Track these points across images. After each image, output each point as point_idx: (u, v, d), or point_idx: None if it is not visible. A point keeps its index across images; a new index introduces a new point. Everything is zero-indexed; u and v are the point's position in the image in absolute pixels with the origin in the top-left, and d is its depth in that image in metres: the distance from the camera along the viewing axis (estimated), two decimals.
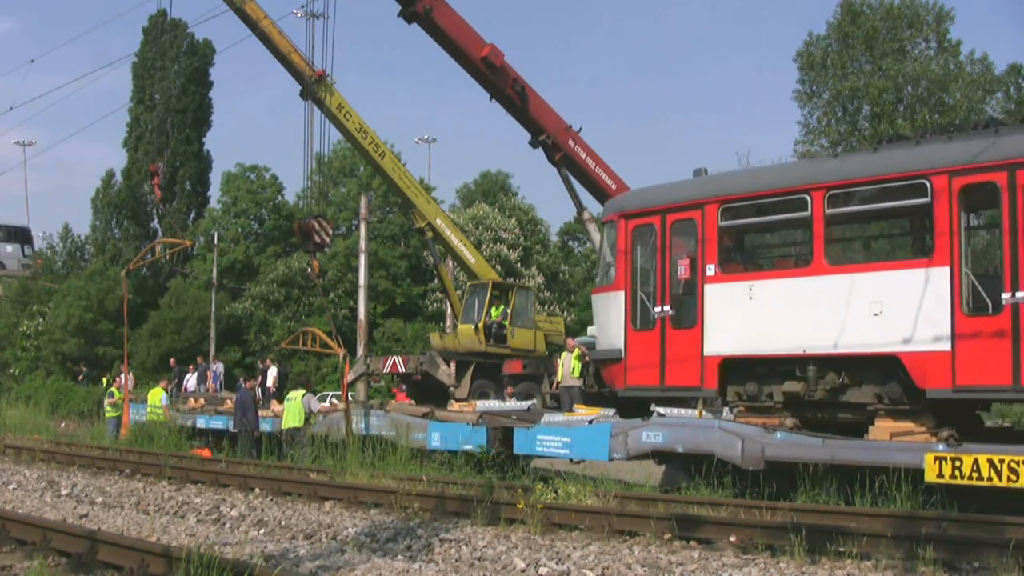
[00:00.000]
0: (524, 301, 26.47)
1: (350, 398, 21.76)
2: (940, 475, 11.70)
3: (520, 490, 12.85)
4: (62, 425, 31.85)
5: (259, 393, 25.08)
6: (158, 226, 55.26)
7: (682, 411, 15.04)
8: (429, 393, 23.94)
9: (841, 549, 9.34)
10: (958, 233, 12.62)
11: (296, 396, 19.90)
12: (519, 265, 48.31)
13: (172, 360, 37.18)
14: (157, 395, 24.66)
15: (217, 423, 24.13)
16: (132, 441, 22.62)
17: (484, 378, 24.77)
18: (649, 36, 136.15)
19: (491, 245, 47.23)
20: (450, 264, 28.90)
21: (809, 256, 14.07)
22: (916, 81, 40.06)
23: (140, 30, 55.18)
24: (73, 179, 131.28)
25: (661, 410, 14.97)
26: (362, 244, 29.23)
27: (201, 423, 24.60)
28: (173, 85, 52.78)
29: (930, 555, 8.94)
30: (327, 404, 24.81)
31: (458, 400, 22.28)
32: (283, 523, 11.96)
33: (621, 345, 15.89)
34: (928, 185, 12.91)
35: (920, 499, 11.94)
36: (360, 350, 28.04)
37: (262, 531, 11.63)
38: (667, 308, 15.39)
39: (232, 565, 7.75)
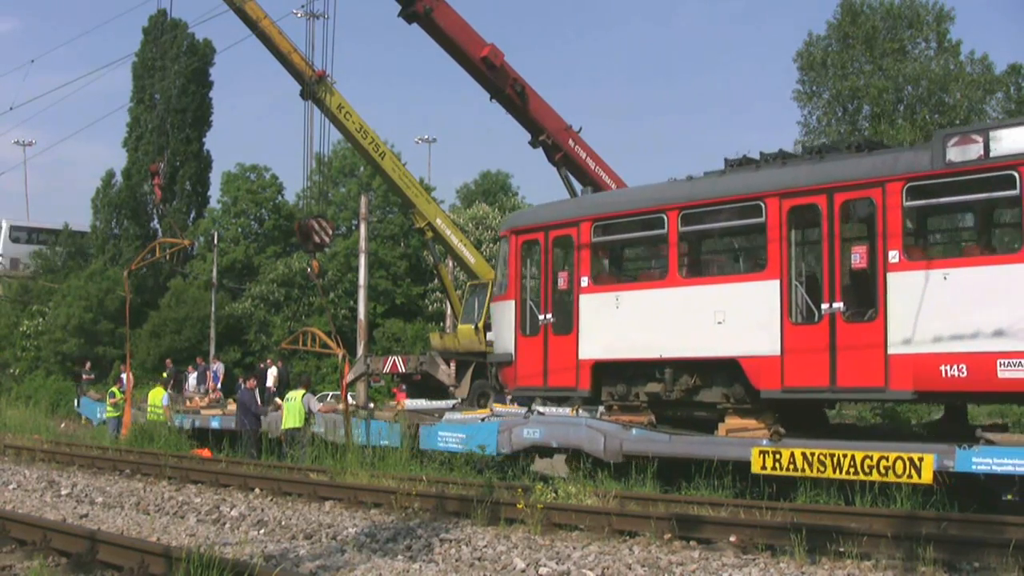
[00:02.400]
0: None
1: (350, 399, 21.77)
2: (764, 467, 13.25)
3: (520, 490, 12.84)
4: (62, 425, 31.85)
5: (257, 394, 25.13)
6: (158, 226, 55.20)
7: (559, 410, 16.58)
8: (429, 393, 23.93)
9: (841, 549, 9.34)
10: (787, 250, 13.96)
11: (296, 396, 19.90)
12: None
13: (168, 361, 37.20)
14: (158, 395, 24.66)
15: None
16: (132, 441, 22.63)
17: (484, 378, 24.73)
18: (650, 36, 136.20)
19: (491, 245, 47.13)
20: (450, 264, 28.88)
21: (665, 270, 15.59)
22: (916, 81, 39.97)
23: (140, 30, 55.12)
24: (73, 179, 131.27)
25: (541, 409, 16.66)
26: (362, 244, 29.13)
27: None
28: (173, 85, 52.73)
29: (930, 555, 8.94)
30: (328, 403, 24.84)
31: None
32: (283, 523, 11.96)
33: (512, 349, 17.31)
34: (763, 206, 14.24)
35: (920, 499, 11.97)
36: (360, 350, 27.98)
37: (262, 531, 11.63)
38: (549, 316, 16.82)
39: (232, 565, 7.75)
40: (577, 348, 16.17)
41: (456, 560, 9.68)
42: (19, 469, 18.38)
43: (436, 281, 41.10)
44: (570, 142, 24.01)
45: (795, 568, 9.00)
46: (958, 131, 13.10)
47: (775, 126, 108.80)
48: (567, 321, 16.46)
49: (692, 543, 10.25)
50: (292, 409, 19.71)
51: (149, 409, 24.38)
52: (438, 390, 24.15)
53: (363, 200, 29.60)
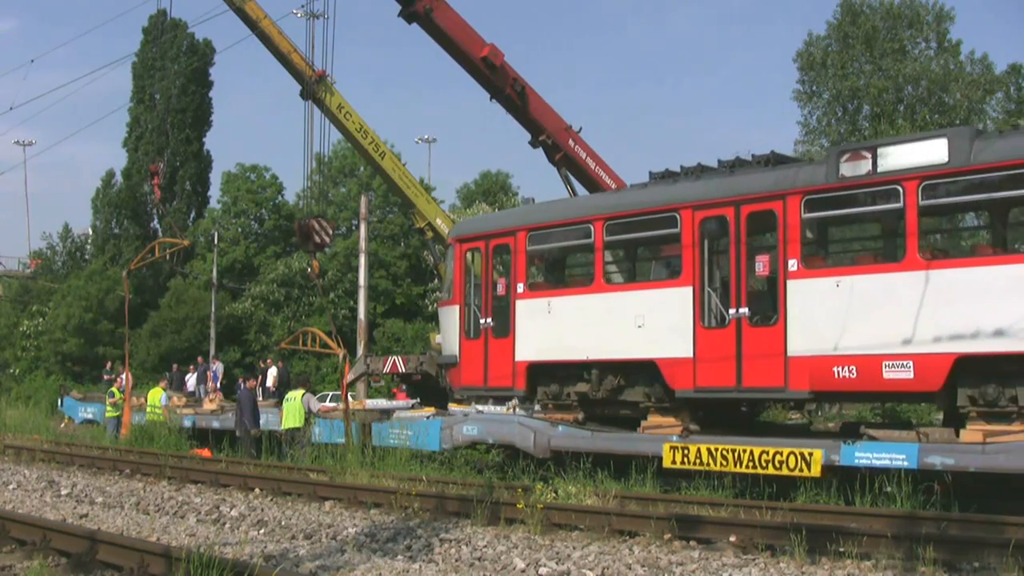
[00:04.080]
0: None
1: (350, 399, 21.76)
2: (674, 461, 14.19)
3: (520, 490, 12.86)
4: (62, 425, 31.85)
5: (259, 393, 25.14)
6: (158, 226, 55.26)
7: (496, 408, 17.68)
8: (429, 393, 23.90)
9: (841, 549, 9.34)
10: (700, 259, 14.78)
11: (296, 396, 19.88)
12: None
13: (175, 366, 37.22)
14: (157, 395, 24.65)
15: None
16: (132, 441, 22.62)
17: None
18: (650, 36, 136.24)
19: None
20: None
21: (592, 277, 16.47)
22: (916, 81, 39.96)
23: (140, 30, 55.25)
24: (73, 179, 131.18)
25: (479, 407, 17.68)
26: (362, 244, 29.22)
27: (136, 419, 24.79)
28: (173, 85, 52.78)
29: (930, 555, 8.94)
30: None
31: (456, 401, 22.29)
32: (283, 523, 11.96)
33: (457, 352, 18.17)
34: (678, 217, 15.10)
35: (920, 499, 11.98)
36: (360, 350, 28.00)
37: (262, 531, 11.63)
38: (489, 320, 17.70)
39: (232, 565, 7.75)
40: (514, 350, 17.08)
41: (456, 560, 9.68)
42: (19, 469, 18.38)
43: (436, 281, 41.14)
44: (570, 142, 24.00)
45: (795, 568, 9.00)
46: (851, 147, 13.83)
47: (775, 126, 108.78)
48: (505, 325, 17.32)
49: (692, 543, 10.25)
50: (292, 409, 19.69)
51: (148, 409, 24.37)
52: (438, 390, 24.12)
53: (363, 200, 29.67)
